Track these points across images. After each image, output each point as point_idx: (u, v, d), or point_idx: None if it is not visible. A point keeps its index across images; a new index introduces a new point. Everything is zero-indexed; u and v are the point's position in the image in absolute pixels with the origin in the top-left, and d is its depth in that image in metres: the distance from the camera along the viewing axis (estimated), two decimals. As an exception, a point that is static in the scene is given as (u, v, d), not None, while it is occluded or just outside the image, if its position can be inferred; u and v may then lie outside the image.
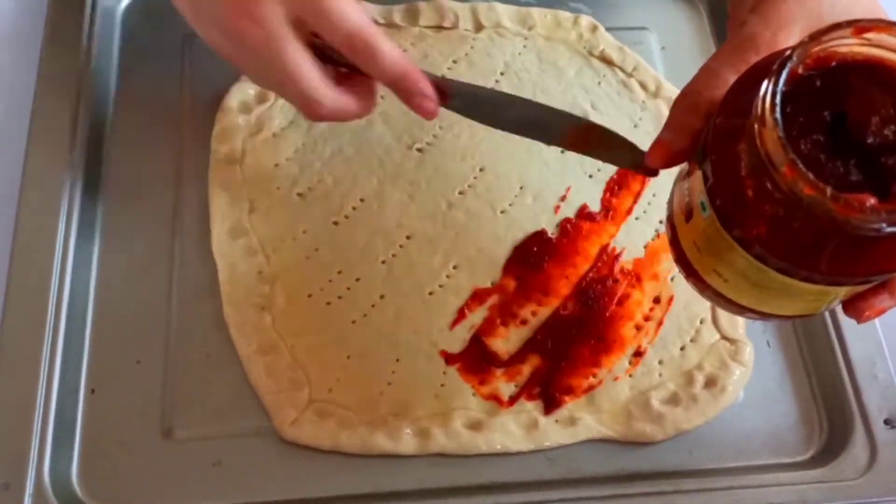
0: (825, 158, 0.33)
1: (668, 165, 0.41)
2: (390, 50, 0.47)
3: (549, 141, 0.52)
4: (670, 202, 0.43)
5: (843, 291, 0.37)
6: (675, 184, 0.43)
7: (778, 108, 0.31)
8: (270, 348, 0.54)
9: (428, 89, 0.49)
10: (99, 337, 0.55)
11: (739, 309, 0.41)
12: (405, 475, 0.52)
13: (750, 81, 0.35)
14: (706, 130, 0.37)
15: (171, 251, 0.58)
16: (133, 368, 0.54)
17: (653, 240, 0.60)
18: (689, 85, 0.40)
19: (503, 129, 0.52)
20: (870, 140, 0.32)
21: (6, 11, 0.67)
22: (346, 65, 0.48)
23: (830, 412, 0.56)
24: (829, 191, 0.30)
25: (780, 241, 0.33)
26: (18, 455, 0.49)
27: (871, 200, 0.30)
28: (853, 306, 0.39)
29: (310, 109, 0.48)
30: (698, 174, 0.37)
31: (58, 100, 0.60)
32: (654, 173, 0.45)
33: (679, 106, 0.40)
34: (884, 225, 0.30)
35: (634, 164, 0.47)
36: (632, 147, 0.47)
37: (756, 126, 0.32)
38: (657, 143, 0.41)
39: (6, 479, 0.49)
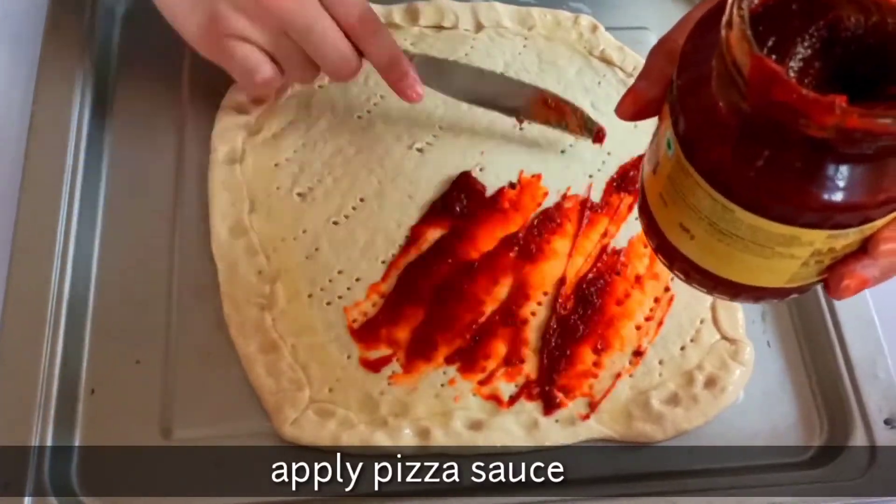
0: (797, 72, 0.31)
1: (638, 116, 0.39)
2: (390, 35, 0.56)
3: (510, 112, 0.59)
4: (641, 167, 0.41)
5: (819, 241, 0.33)
6: (646, 149, 0.41)
7: (746, 6, 0.29)
8: (270, 348, 0.54)
9: (416, 77, 0.57)
10: (99, 337, 0.55)
11: (711, 282, 0.38)
12: (405, 475, 0.52)
13: (719, 12, 0.33)
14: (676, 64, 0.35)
15: (171, 251, 0.58)
16: (133, 368, 0.54)
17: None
18: (665, 34, 0.39)
19: (466, 100, 0.61)
20: (841, 43, 0.30)
21: (6, 11, 0.67)
22: None
23: (830, 412, 0.56)
24: (797, 85, 0.28)
25: (743, 163, 0.31)
26: (18, 455, 0.49)
27: (841, 100, 0.27)
28: (831, 273, 0.35)
29: (349, 66, 0.56)
30: (666, 108, 0.35)
31: (58, 99, 0.60)
32: (602, 139, 0.55)
33: (654, 54, 0.39)
34: (857, 134, 0.28)
35: (588, 132, 0.59)
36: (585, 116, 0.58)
37: (723, 32, 0.30)
38: (629, 92, 0.39)
39: (6, 478, 0.49)
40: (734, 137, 0.31)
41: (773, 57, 0.30)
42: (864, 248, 0.34)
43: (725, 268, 0.37)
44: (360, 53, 0.56)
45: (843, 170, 0.30)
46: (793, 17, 0.31)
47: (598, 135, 0.60)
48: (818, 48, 0.31)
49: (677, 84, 0.34)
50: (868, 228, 0.32)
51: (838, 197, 0.30)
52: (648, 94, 0.38)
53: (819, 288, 0.59)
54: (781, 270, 0.35)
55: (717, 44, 0.31)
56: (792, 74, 0.30)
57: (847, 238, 0.33)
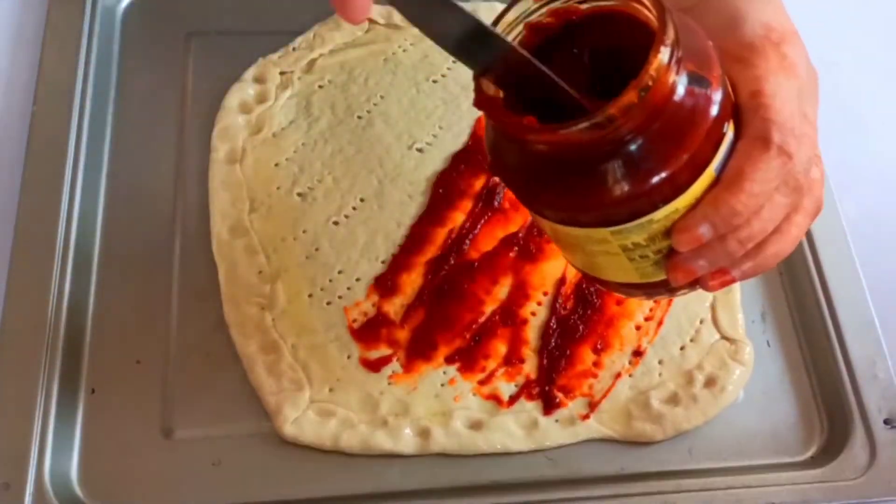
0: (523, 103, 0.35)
1: None
2: None
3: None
4: None
5: (609, 237, 0.36)
6: None
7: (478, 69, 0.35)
8: (271, 348, 0.54)
9: None
10: (99, 337, 0.55)
11: (604, 284, 0.42)
12: (405, 475, 0.52)
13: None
14: None
15: (171, 251, 0.58)
16: (133, 368, 0.54)
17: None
18: None
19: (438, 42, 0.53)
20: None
21: (6, 11, 0.67)
22: None
23: (830, 412, 0.56)
24: (504, 111, 0.34)
25: (522, 185, 0.36)
26: (19, 455, 0.49)
27: (531, 120, 0.33)
28: (667, 267, 0.37)
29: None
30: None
31: (58, 99, 0.60)
32: None
33: None
34: (555, 145, 0.33)
35: None
36: None
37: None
38: None
39: (6, 478, 0.49)
40: (510, 164, 0.36)
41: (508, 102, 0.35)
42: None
43: (588, 268, 0.41)
44: None
45: (571, 177, 0.34)
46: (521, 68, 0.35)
47: None
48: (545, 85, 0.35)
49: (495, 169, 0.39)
50: (651, 222, 0.35)
51: (566, 200, 0.35)
52: None
53: (819, 289, 0.60)
54: (622, 267, 0.38)
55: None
56: (518, 103, 0.35)
57: (634, 233, 0.35)
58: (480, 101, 0.35)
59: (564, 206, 0.35)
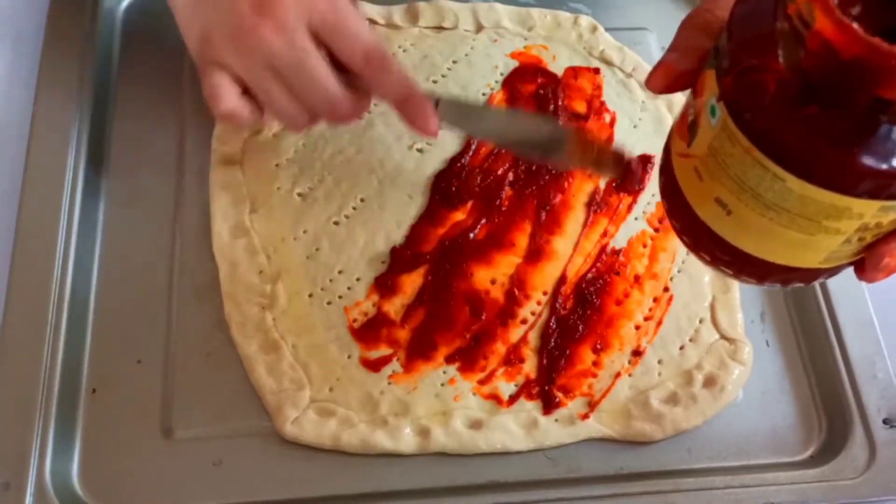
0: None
1: (670, 89, 0.39)
2: (400, 69, 0.50)
3: (545, 154, 0.53)
4: (666, 146, 0.40)
5: (869, 213, 0.32)
6: (670, 131, 0.41)
7: None
8: (271, 348, 0.54)
9: (431, 109, 0.51)
10: (99, 337, 0.55)
11: (740, 263, 0.37)
12: (405, 475, 0.52)
13: None
14: (724, 27, 0.34)
15: (171, 251, 0.58)
16: (133, 368, 0.54)
17: (652, 239, 0.60)
18: (698, 7, 0.38)
19: (498, 143, 0.55)
20: None
21: (6, 11, 0.67)
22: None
23: (829, 412, 0.56)
24: (872, 38, 0.26)
25: (800, 128, 0.29)
26: (19, 455, 0.49)
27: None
28: (871, 251, 0.34)
29: (335, 111, 0.50)
30: (710, 76, 0.34)
31: (58, 100, 0.60)
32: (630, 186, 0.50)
33: (687, 27, 0.38)
34: None
35: (618, 174, 0.50)
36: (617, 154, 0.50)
37: None
38: (660, 65, 0.39)
39: (7, 478, 0.49)
40: (792, 100, 0.30)
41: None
42: None
43: (761, 246, 0.35)
44: (367, 92, 0.52)
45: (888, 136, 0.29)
46: None
47: (634, 176, 0.55)
48: (873, 7, 0.30)
49: (728, 47, 0.32)
50: None
51: (868, 163, 0.29)
52: (680, 67, 0.37)
53: (819, 289, 0.60)
54: (821, 248, 0.34)
55: (771, 3, 0.30)
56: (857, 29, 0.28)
57: None
58: (837, 26, 0.27)
59: (863, 169, 0.29)
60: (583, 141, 0.52)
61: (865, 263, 0.35)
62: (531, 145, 0.53)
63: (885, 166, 0.29)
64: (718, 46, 0.34)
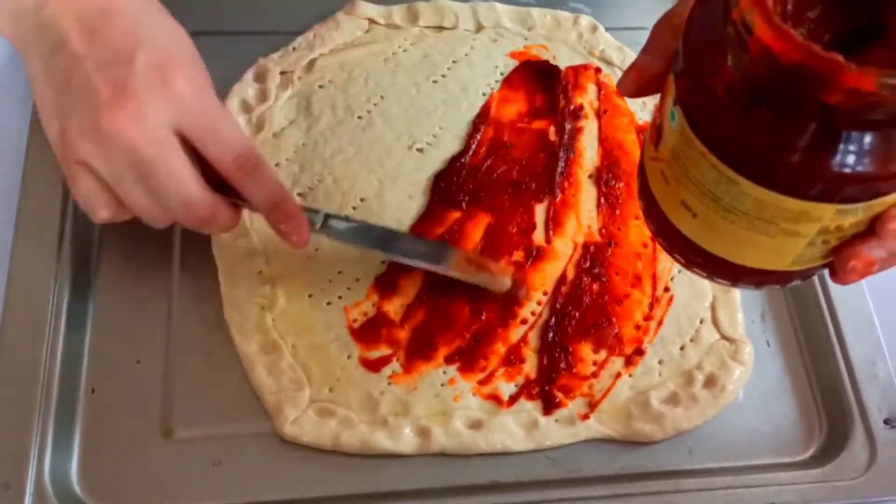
0: (804, 34, 0.29)
1: (640, 92, 0.38)
2: (272, 175, 0.49)
3: (439, 268, 0.54)
4: (642, 148, 0.40)
5: (827, 216, 0.32)
6: (647, 129, 0.40)
7: None
8: (271, 348, 0.54)
9: (303, 218, 0.50)
10: (99, 337, 0.55)
11: (711, 266, 0.37)
12: (405, 475, 0.52)
13: None
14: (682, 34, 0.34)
15: (171, 251, 0.58)
16: (133, 368, 0.54)
17: (653, 240, 0.60)
18: (670, 10, 0.38)
19: (386, 255, 0.56)
20: None
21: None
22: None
23: (830, 412, 0.56)
24: (810, 44, 0.26)
25: (750, 132, 0.30)
26: (19, 455, 0.49)
27: (841, 58, 0.26)
28: (837, 254, 0.34)
29: (191, 214, 0.47)
30: (671, 80, 0.34)
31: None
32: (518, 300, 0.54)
33: (658, 28, 0.38)
34: (872, 98, 0.26)
35: (508, 290, 0.55)
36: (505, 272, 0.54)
37: None
38: (632, 68, 0.38)
39: (6, 478, 0.49)
40: (741, 104, 0.30)
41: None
42: (872, 228, 0.33)
43: (727, 248, 0.36)
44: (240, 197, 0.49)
45: (855, 139, 0.29)
46: None
47: (515, 290, 0.56)
48: (821, 11, 0.30)
49: (683, 51, 0.33)
50: (877, 205, 0.31)
51: (849, 167, 0.29)
52: (651, 69, 0.37)
53: (819, 289, 0.60)
54: (786, 251, 0.34)
55: (722, 9, 0.30)
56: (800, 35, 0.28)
57: (856, 215, 0.32)
58: (775, 32, 0.27)
59: (811, 172, 0.29)
60: (465, 261, 0.55)
61: (833, 267, 0.35)
62: (417, 256, 0.54)
63: (835, 170, 0.29)
64: (677, 50, 0.34)
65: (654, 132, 0.37)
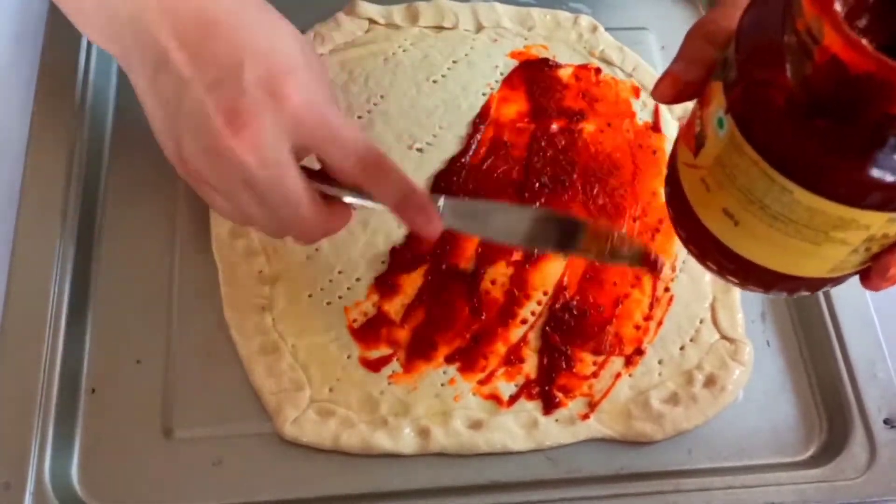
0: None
1: (677, 99, 0.39)
2: (397, 170, 0.47)
3: (565, 249, 0.50)
4: (672, 155, 0.40)
5: (877, 225, 0.32)
6: (676, 140, 0.41)
7: None
8: (271, 348, 0.54)
9: (433, 209, 0.47)
10: (99, 337, 0.55)
11: (746, 273, 0.37)
12: (405, 475, 0.52)
13: None
14: (731, 41, 0.34)
15: (171, 251, 0.58)
16: (133, 368, 0.54)
17: (652, 240, 0.60)
18: (704, 17, 0.38)
19: (508, 242, 0.52)
20: None
21: (6, 11, 0.67)
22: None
23: (830, 412, 0.56)
24: (881, 55, 0.26)
25: (808, 140, 0.30)
26: (19, 455, 0.49)
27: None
28: (877, 261, 0.34)
29: (306, 235, 0.48)
30: (717, 87, 0.34)
31: (58, 99, 0.60)
32: (657, 270, 0.48)
33: (693, 36, 0.38)
34: None
35: (636, 265, 0.48)
36: (641, 248, 0.47)
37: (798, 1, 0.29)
38: (667, 74, 0.38)
39: (6, 478, 0.49)
40: (799, 113, 0.30)
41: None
42: None
43: (769, 256, 0.36)
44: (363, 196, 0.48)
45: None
46: None
47: (654, 264, 0.50)
48: (869, 21, 0.30)
49: (736, 59, 0.33)
50: None
51: (876, 176, 0.29)
52: (687, 76, 0.38)
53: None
54: (829, 258, 0.34)
55: (779, 16, 0.30)
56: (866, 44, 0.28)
57: None
58: (846, 41, 0.27)
59: (869, 182, 0.29)
60: (598, 234, 0.49)
61: (871, 273, 0.35)
62: (543, 241, 0.49)
63: (892, 179, 0.29)
64: (726, 57, 0.34)
65: (693, 140, 0.37)
